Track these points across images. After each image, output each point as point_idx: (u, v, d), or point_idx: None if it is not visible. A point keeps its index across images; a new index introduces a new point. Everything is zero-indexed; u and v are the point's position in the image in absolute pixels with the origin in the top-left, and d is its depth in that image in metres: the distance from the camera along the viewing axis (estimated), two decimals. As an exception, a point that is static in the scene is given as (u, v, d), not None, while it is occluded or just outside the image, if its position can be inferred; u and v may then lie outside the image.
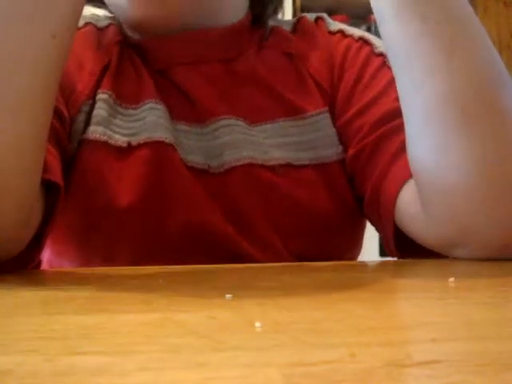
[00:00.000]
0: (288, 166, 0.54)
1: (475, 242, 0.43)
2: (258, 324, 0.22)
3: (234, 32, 0.59)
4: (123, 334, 0.22)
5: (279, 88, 0.57)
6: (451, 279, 0.33)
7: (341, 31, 0.61)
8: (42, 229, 0.44)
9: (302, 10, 2.59)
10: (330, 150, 0.56)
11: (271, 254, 0.53)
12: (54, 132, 0.48)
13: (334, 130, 0.57)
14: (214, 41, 0.58)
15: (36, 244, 0.43)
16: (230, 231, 0.52)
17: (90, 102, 0.54)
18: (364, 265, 0.45)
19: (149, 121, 0.53)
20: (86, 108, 0.53)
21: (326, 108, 0.57)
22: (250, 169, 0.53)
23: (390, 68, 0.48)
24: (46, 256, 0.54)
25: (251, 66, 0.58)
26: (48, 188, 0.44)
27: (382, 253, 2.05)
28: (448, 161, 0.42)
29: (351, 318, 0.25)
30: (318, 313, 0.26)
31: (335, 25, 0.62)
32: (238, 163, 0.53)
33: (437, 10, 0.42)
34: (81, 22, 0.59)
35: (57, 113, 0.50)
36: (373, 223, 0.56)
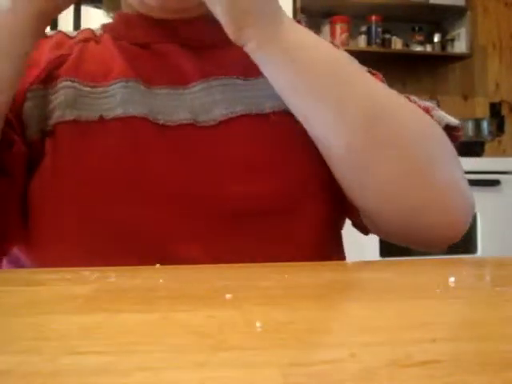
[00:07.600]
0: (283, 113, 0.54)
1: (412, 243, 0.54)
2: (258, 324, 0.22)
3: (214, 21, 0.58)
4: (123, 333, 0.22)
5: None
6: (451, 279, 0.33)
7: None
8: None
9: (302, 11, 2.59)
10: None
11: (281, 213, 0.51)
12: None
13: None
14: (203, 25, 0.58)
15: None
16: (226, 191, 0.51)
17: (41, 87, 0.53)
18: (364, 265, 0.45)
19: (120, 98, 0.52)
20: (31, 94, 0.52)
21: None
22: (244, 120, 0.53)
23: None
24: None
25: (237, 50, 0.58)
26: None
27: (382, 253, 2.05)
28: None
29: (351, 318, 0.25)
30: (317, 313, 0.26)
31: None
32: (231, 116, 0.53)
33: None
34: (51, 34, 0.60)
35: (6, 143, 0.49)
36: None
